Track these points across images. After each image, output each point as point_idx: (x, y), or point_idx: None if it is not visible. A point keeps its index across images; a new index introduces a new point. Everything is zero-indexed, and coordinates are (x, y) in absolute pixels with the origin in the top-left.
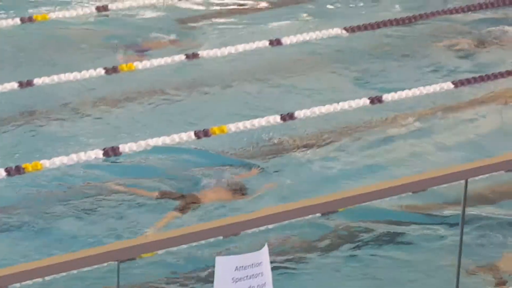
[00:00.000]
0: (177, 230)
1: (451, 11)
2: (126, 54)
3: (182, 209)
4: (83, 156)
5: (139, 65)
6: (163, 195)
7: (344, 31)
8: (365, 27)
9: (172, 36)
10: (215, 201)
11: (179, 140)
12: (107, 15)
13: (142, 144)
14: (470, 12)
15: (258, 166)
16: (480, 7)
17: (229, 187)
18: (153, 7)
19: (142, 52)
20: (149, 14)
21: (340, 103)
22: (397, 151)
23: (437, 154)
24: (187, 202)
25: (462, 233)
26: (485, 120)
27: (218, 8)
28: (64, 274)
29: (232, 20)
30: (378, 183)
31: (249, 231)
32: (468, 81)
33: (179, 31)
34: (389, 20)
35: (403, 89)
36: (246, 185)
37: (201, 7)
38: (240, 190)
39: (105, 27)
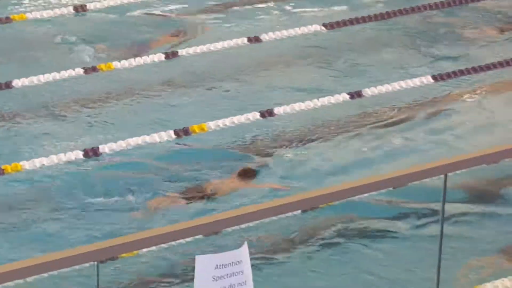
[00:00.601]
0: (157, 229)
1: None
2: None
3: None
4: (63, 157)
5: (118, 64)
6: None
7: (323, 28)
8: (344, 23)
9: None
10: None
11: (160, 140)
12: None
13: (123, 144)
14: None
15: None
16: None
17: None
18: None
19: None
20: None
21: (320, 99)
22: None
23: None
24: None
25: (442, 227)
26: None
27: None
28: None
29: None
30: (358, 180)
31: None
32: (448, 75)
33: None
34: (368, 16)
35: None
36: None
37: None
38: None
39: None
